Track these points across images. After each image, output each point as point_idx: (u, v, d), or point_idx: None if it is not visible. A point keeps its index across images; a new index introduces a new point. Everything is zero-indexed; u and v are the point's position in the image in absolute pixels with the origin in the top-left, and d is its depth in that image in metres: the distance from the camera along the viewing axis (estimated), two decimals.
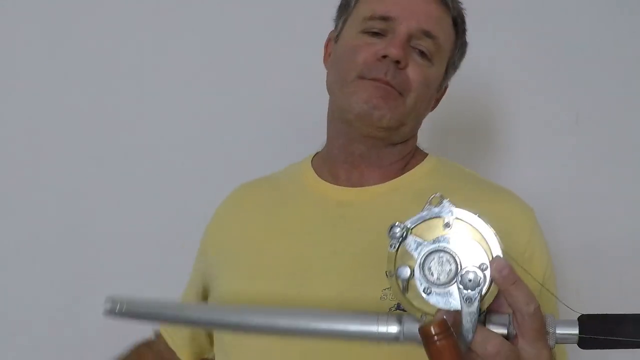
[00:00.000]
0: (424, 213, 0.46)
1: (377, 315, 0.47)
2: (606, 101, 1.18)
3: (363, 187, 0.72)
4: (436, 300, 0.44)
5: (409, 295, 0.45)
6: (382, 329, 0.46)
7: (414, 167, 0.75)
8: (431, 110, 0.79)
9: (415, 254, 0.45)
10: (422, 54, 0.70)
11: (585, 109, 1.17)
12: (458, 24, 0.75)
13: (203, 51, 1.14)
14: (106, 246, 1.09)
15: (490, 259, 0.44)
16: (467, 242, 0.44)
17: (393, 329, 0.46)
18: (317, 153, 0.81)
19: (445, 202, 0.46)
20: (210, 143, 1.12)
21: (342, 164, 0.74)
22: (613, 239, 1.09)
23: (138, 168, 1.12)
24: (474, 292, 0.43)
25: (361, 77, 0.69)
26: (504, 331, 0.45)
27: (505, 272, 0.44)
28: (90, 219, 1.11)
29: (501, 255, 0.44)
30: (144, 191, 1.10)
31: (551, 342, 0.46)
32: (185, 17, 1.15)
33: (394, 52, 0.67)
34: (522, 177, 1.17)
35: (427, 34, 0.69)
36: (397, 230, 0.45)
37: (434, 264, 0.44)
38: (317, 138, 0.79)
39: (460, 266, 0.44)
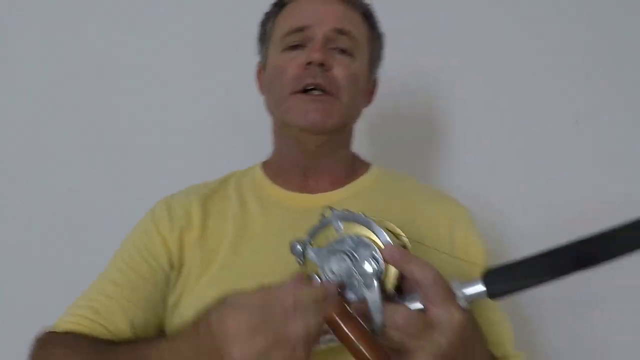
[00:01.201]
0: (317, 225, 0.53)
1: None
2: (606, 101, 1.18)
3: (319, 194, 0.76)
4: (345, 294, 0.50)
5: None
6: None
7: (361, 174, 0.80)
8: (367, 105, 0.83)
9: (317, 262, 0.51)
10: (342, 51, 0.74)
11: (585, 109, 1.18)
12: (368, 17, 0.80)
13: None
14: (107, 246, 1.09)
15: (381, 246, 0.50)
16: (357, 238, 0.51)
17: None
18: (264, 162, 0.83)
19: (335, 212, 0.53)
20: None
21: (295, 175, 0.78)
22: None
23: (137, 168, 1.12)
24: (370, 276, 0.49)
25: (293, 92, 0.72)
26: (418, 305, 0.50)
27: (395, 255, 0.50)
28: (89, 218, 1.11)
29: (390, 242, 0.51)
30: (143, 190, 1.10)
31: (462, 303, 0.50)
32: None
33: (316, 56, 0.71)
34: (522, 177, 1.18)
35: (341, 32, 0.74)
36: (297, 246, 0.52)
37: (332, 264, 0.50)
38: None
39: (355, 258, 0.50)
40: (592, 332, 1.13)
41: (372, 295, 0.49)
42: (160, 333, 0.71)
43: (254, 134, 0.96)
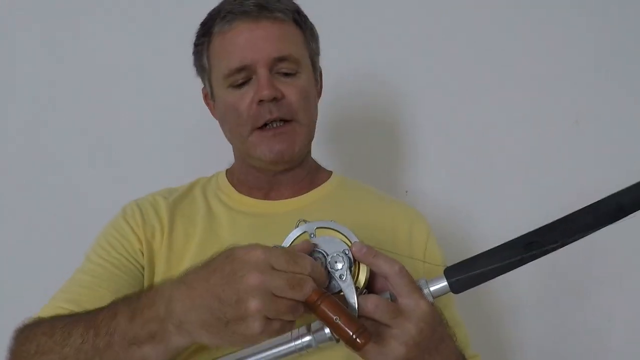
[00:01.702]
0: (292, 233, 0.58)
1: (289, 333, 0.55)
2: (606, 101, 1.18)
3: (282, 200, 0.79)
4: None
5: None
6: (298, 342, 0.55)
7: (323, 181, 0.83)
8: (318, 99, 0.83)
9: None
10: (286, 74, 0.74)
11: (585, 109, 1.18)
12: (298, 21, 0.77)
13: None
14: None
15: (350, 245, 0.56)
16: (328, 238, 0.57)
17: (306, 338, 0.55)
18: (228, 169, 0.85)
19: (308, 222, 0.58)
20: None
21: (259, 189, 0.80)
22: (613, 238, 1.09)
23: (137, 168, 1.12)
24: (342, 269, 0.54)
25: (254, 129, 0.74)
26: (387, 297, 0.55)
27: (363, 250, 0.56)
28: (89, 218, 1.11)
29: (357, 240, 0.57)
30: (143, 189, 1.10)
31: (430, 299, 0.56)
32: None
33: (265, 93, 0.71)
34: (523, 177, 1.18)
35: (281, 59, 0.73)
36: None
37: None
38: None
39: (327, 255, 0.55)
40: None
41: (347, 284, 0.54)
42: None
43: None
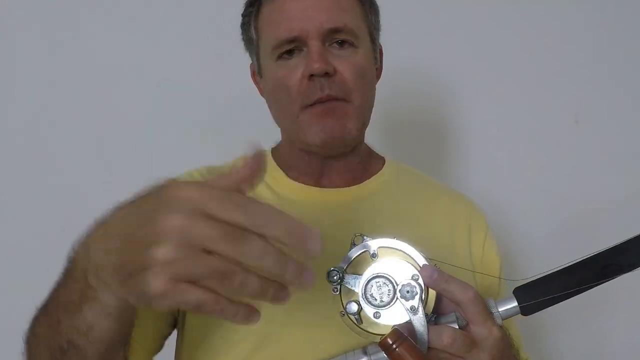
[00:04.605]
0: (352, 252, 0.53)
1: (345, 355, 0.53)
2: (606, 101, 1.18)
3: (334, 189, 0.73)
4: (387, 320, 0.50)
5: (364, 325, 0.51)
6: None
7: (377, 169, 0.77)
8: (377, 80, 0.77)
9: (355, 289, 0.51)
10: (341, 43, 0.68)
11: (585, 109, 1.18)
12: None
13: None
14: None
15: (419, 269, 0.51)
16: (395, 262, 0.51)
17: None
18: (273, 149, 0.79)
19: (366, 238, 0.53)
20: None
21: (310, 174, 0.74)
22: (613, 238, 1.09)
23: (138, 168, 1.12)
24: (414, 300, 0.49)
25: (304, 107, 0.67)
26: (455, 325, 0.51)
27: (435, 276, 0.50)
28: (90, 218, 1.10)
29: (427, 263, 0.51)
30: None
31: (498, 321, 0.52)
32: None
33: (316, 67, 0.65)
34: (524, 177, 1.18)
35: (335, 31, 0.67)
36: (335, 274, 0.51)
37: (373, 290, 0.50)
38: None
39: (396, 283, 0.50)
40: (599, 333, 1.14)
41: (419, 317, 0.49)
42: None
43: (258, 133, 0.95)
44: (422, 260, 0.52)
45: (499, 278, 0.75)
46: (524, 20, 1.19)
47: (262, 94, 0.77)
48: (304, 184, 0.73)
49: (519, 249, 1.15)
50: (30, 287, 1.08)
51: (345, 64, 0.67)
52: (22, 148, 1.11)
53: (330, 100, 0.66)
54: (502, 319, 0.53)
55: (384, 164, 0.79)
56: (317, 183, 0.74)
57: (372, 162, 0.78)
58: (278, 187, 0.73)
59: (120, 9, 1.14)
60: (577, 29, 1.19)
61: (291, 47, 0.67)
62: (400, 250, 0.52)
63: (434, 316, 0.53)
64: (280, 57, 0.68)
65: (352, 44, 0.68)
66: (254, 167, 0.37)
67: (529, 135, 1.18)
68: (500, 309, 0.53)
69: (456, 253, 0.71)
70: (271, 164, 0.75)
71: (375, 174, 0.76)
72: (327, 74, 0.66)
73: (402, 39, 1.17)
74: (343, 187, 0.74)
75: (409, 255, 0.52)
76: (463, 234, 0.74)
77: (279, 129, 0.77)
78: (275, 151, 0.79)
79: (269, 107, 0.74)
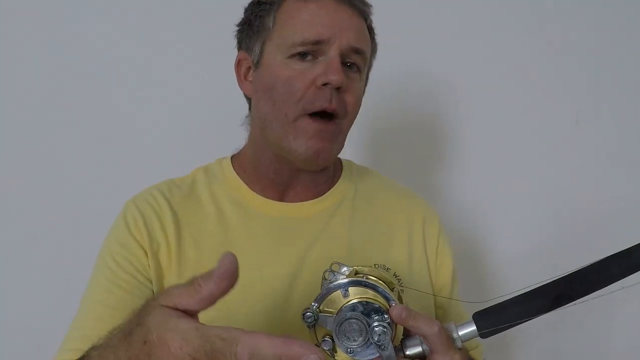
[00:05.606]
0: (324, 290, 0.56)
1: None
2: (606, 101, 1.18)
3: (299, 203, 0.74)
4: (360, 355, 0.54)
5: (339, 356, 0.55)
6: None
7: (337, 177, 0.79)
8: None
9: (329, 327, 0.54)
10: (350, 66, 0.70)
11: (585, 109, 1.18)
12: (371, 29, 0.74)
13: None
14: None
15: (388, 307, 0.55)
16: (368, 304, 0.54)
17: None
18: (233, 158, 0.78)
19: (337, 275, 0.56)
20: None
21: (275, 187, 0.74)
22: (614, 238, 1.09)
23: (138, 167, 1.12)
24: (385, 340, 0.53)
25: (304, 114, 0.67)
26: (419, 349, 0.56)
27: (404, 315, 0.54)
28: (90, 218, 1.11)
29: (396, 302, 0.55)
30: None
31: (458, 344, 0.57)
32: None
33: (335, 79, 0.65)
34: (524, 177, 1.18)
35: (357, 51, 0.69)
36: (309, 314, 0.55)
37: (347, 330, 0.54)
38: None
39: (368, 325, 0.53)
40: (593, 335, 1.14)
41: (388, 354, 0.53)
42: None
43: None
44: (391, 298, 0.56)
45: (454, 289, 0.80)
46: (524, 20, 1.19)
47: (241, 85, 0.75)
48: (268, 198, 0.74)
49: (519, 249, 1.16)
50: (30, 287, 1.08)
51: (352, 88, 0.69)
52: (23, 148, 1.11)
53: (332, 121, 0.68)
54: (462, 342, 0.57)
55: (341, 167, 0.81)
56: (282, 197, 0.75)
57: (335, 172, 0.80)
58: (244, 201, 0.74)
59: (121, 9, 1.14)
60: (578, 29, 1.19)
61: (308, 50, 0.67)
62: (371, 288, 0.56)
63: (400, 343, 0.57)
64: (293, 55, 0.68)
65: (359, 70, 0.71)
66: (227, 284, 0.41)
67: (529, 135, 1.18)
68: (460, 333, 0.57)
69: (415, 258, 0.75)
70: (233, 178, 0.76)
71: (335, 184, 0.78)
72: (338, 88, 0.67)
73: (402, 39, 1.17)
74: (308, 200, 0.75)
75: (379, 293, 0.56)
76: (418, 237, 0.77)
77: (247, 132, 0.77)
78: (236, 160, 0.78)
79: (256, 101, 0.73)
